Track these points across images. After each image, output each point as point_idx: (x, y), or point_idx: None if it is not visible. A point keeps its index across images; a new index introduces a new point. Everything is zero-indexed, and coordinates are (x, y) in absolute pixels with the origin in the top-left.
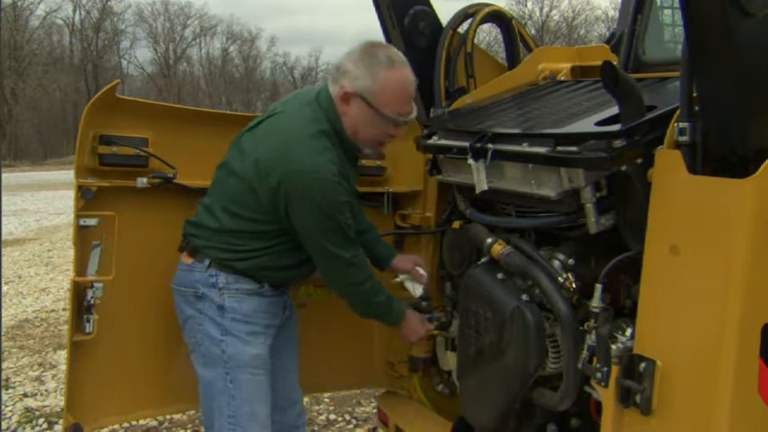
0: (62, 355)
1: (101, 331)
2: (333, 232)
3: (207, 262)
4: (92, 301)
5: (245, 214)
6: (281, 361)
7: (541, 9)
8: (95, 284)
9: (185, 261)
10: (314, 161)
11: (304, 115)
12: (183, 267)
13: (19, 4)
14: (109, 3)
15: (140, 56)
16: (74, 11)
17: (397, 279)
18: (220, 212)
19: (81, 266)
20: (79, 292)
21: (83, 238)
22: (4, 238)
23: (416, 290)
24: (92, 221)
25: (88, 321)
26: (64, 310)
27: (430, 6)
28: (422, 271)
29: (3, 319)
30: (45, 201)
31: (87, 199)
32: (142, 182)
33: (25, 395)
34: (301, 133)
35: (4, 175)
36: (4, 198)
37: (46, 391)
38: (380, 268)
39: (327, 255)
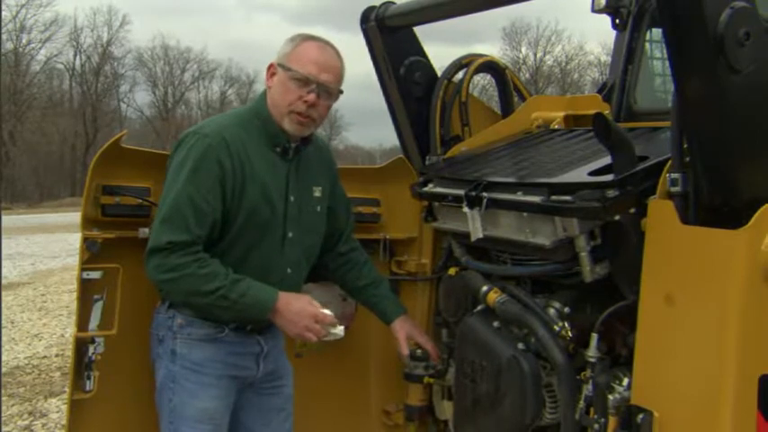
0: (53, 404)
1: (101, 389)
2: (173, 201)
3: (167, 303)
4: (92, 357)
5: None
6: (268, 420)
7: (535, 54)
8: (96, 339)
9: (157, 304)
10: (202, 124)
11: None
12: (155, 311)
13: (20, 50)
14: (109, 48)
15: (139, 99)
16: (75, 56)
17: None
18: None
19: (83, 321)
20: (80, 348)
21: (85, 290)
22: None
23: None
24: (95, 274)
25: (89, 378)
26: (56, 356)
27: (425, 57)
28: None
29: None
30: (40, 244)
31: (93, 251)
32: (144, 232)
33: None
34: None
35: None
36: None
37: None
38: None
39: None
